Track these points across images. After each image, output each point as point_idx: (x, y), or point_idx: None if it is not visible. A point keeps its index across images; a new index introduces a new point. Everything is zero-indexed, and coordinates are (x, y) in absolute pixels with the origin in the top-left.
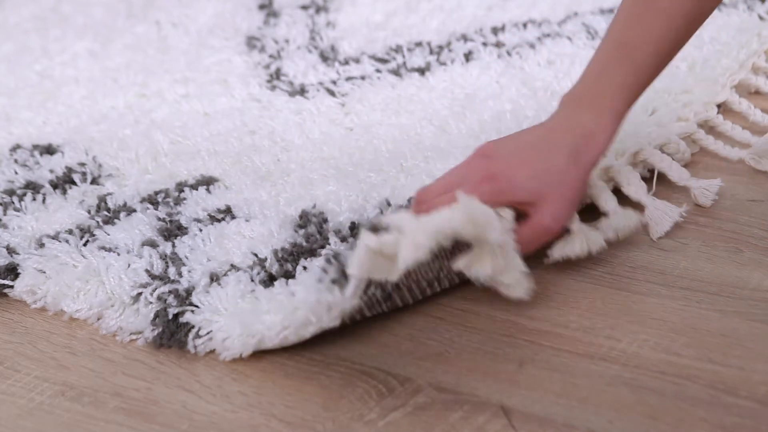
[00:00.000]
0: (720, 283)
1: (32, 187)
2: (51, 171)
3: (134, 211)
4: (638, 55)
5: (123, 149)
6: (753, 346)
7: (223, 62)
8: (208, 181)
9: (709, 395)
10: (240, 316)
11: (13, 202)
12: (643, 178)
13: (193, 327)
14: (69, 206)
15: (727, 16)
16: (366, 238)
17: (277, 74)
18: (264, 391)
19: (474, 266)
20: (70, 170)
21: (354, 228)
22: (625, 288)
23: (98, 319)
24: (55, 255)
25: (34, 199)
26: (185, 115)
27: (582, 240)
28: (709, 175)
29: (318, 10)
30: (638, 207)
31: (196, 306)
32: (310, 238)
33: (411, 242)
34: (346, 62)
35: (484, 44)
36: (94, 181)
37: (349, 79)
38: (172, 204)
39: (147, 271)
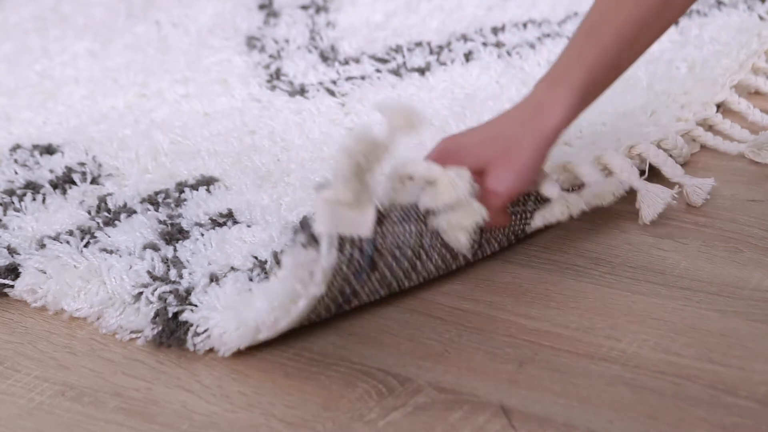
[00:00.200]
0: (720, 283)
1: (32, 187)
2: (51, 171)
3: (135, 212)
4: (600, 37)
5: (123, 149)
6: (753, 346)
7: (223, 62)
8: (208, 181)
9: (709, 395)
10: (234, 309)
11: (13, 203)
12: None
13: (191, 325)
14: (69, 206)
15: (727, 16)
16: (320, 193)
17: (277, 74)
18: (264, 391)
19: (435, 197)
20: (70, 170)
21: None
22: (625, 288)
23: (98, 318)
24: (56, 255)
25: (34, 200)
26: (185, 115)
27: (562, 205)
28: (708, 176)
29: (318, 10)
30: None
31: (195, 305)
32: None
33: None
34: (346, 62)
35: (484, 44)
36: (94, 181)
37: (349, 79)
38: (172, 205)
39: (149, 272)
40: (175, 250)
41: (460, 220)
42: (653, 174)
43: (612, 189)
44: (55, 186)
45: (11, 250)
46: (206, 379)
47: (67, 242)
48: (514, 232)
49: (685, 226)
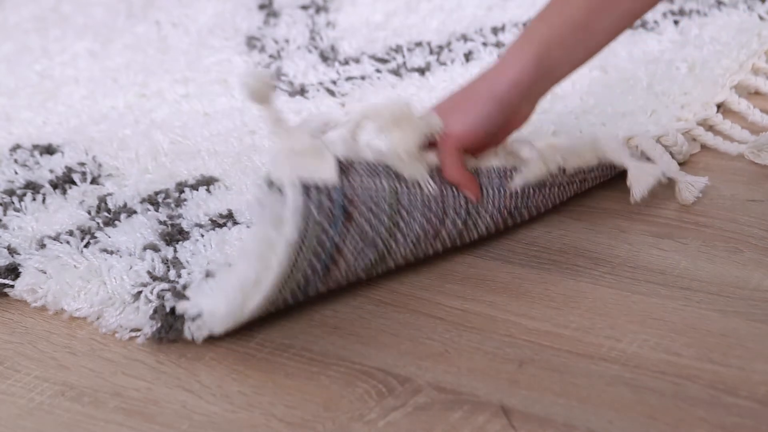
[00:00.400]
0: (720, 283)
1: (32, 187)
2: (51, 171)
3: (135, 212)
4: (560, 12)
5: (123, 149)
6: (753, 346)
7: (223, 62)
8: (208, 181)
9: (709, 395)
10: (222, 289)
11: (13, 203)
12: None
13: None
14: (69, 206)
15: (727, 16)
16: (278, 140)
17: (277, 74)
18: (264, 391)
19: (395, 139)
20: (70, 170)
21: None
22: (625, 288)
23: (98, 318)
24: (56, 256)
25: (34, 200)
26: (185, 115)
27: (538, 163)
28: (709, 176)
29: (318, 10)
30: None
31: (188, 298)
32: None
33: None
34: (346, 62)
35: (484, 44)
36: (94, 181)
37: (349, 79)
38: (172, 205)
39: (149, 272)
40: (175, 250)
41: (402, 139)
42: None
43: (588, 142)
44: (55, 186)
45: (11, 250)
46: (206, 379)
47: (67, 242)
48: (507, 208)
49: (685, 226)
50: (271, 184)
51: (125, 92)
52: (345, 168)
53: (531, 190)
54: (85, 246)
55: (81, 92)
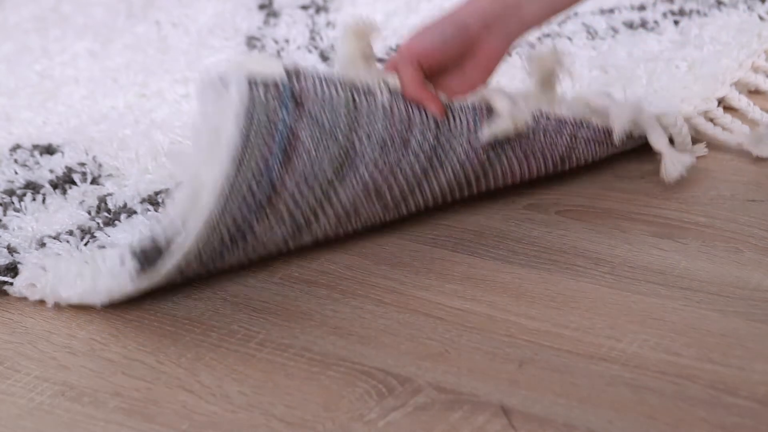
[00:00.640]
0: (720, 283)
1: (32, 187)
2: (51, 171)
3: (135, 212)
4: None
5: (123, 149)
6: (753, 346)
7: (223, 62)
8: None
9: (709, 395)
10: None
11: (13, 203)
12: None
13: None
14: (69, 206)
15: (727, 16)
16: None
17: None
18: (264, 391)
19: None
20: (70, 170)
21: None
22: (625, 288)
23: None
24: (56, 254)
25: (34, 199)
26: (185, 115)
27: (506, 119)
28: (708, 176)
29: (318, 10)
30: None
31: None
32: None
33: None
34: None
35: None
36: (94, 181)
37: None
38: None
39: None
40: None
41: (349, 45)
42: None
43: (553, 94)
44: (55, 186)
45: (11, 250)
46: (206, 379)
47: (67, 242)
48: (484, 150)
49: (685, 226)
50: (217, 81)
51: (125, 92)
52: (295, 71)
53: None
54: (85, 245)
55: (81, 92)
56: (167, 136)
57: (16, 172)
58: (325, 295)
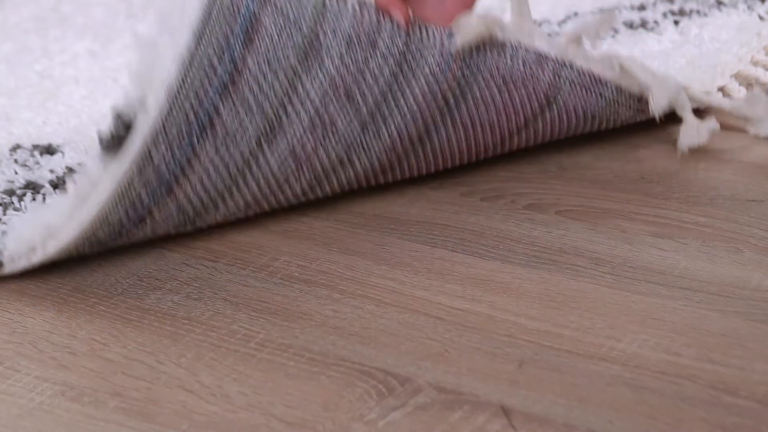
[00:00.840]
0: (720, 283)
1: (32, 187)
2: (51, 171)
3: None
4: None
5: None
6: (753, 346)
7: None
8: None
9: (709, 395)
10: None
11: (13, 203)
12: None
13: None
14: None
15: (727, 16)
16: None
17: None
18: (264, 391)
19: None
20: (70, 170)
21: None
22: (625, 288)
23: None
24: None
25: (34, 199)
26: None
27: (479, 21)
28: (708, 176)
29: None
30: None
31: None
32: None
33: None
34: None
35: None
36: None
37: None
38: None
39: None
40: None
41: None
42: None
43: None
44: (55, 186)
45: None
46: (206, 379)
47: None
48: (457, 66)
49: (685, 226)
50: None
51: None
52: None
53: (487, 51)
54: None
55: (81, 92)
56: None
57: (16, 172)
58: (325, 295)
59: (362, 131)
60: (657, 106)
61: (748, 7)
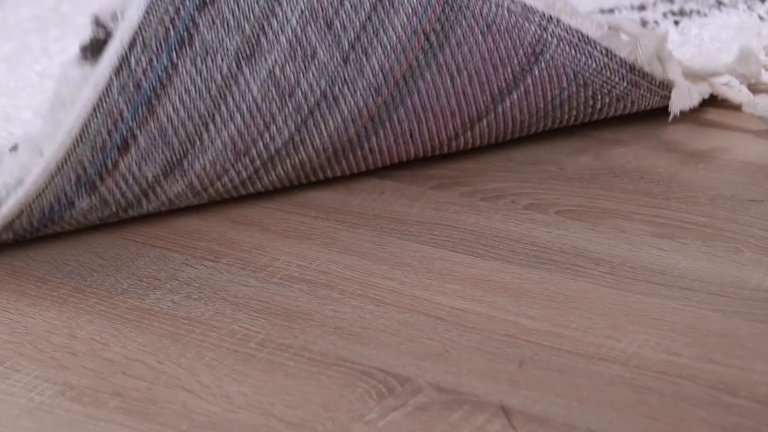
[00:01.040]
0: (720, 283)
1: None
2: None
3: None
4: None
5: None
6: (753, 346)
7: None
8: None
9: (709, 395)
10: None
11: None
12: None
13: None
14: None
15: (727, 16)
16: None
17: None
18: (264, 391)
19: None
20: None
21: None
22: (625, 288)
23: None
24: None
25: None
26: None
27: None
28: (708, 176)
29: None
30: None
31: None
32: None
33: None
34: None
35: None
36: None
37: None
38: None
39: None
40: None
41: None
42: None
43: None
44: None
45: None
46: (206, 379)
47: None
48: (430, 20)
49: (685, 226)
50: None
51: None
52: None
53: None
54: None
55: None
56: None
57: None
58: (325, 295)
59: (344, 63)
60: (645, 56)
61: (748, 7)
